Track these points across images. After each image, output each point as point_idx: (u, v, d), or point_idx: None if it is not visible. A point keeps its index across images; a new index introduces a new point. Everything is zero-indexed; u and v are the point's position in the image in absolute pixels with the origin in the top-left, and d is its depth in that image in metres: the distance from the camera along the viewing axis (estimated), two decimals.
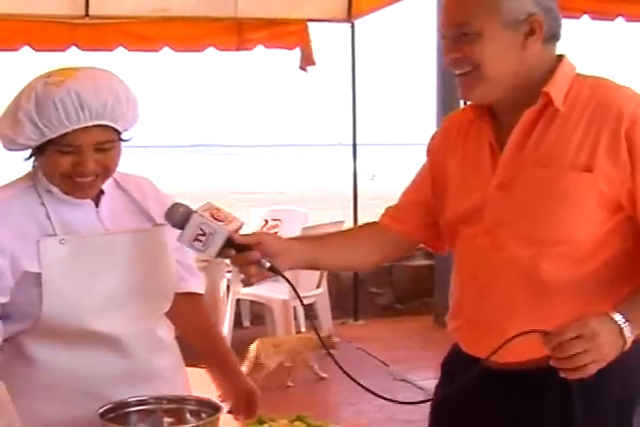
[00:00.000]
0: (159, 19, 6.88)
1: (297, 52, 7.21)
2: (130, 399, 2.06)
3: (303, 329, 7.12)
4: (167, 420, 2.06)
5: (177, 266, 2.28)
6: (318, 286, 6.58)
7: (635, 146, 1.89)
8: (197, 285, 2.40)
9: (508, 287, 1.98)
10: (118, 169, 2.15)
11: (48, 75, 2.03)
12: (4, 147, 2.07)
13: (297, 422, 2.15)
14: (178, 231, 1.98)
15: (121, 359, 2.14)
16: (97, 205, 2.16)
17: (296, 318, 6.79)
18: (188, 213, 1.96)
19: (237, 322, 6.79)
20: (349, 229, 2.38)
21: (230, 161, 41.94)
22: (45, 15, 6.65)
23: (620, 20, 6.43)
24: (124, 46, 6.90)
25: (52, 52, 6.95)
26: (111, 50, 6.92)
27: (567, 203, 1.91)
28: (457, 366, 2.16)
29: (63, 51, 6.83)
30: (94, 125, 2.00)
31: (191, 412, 2.06)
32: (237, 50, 7.20)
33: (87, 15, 6.74)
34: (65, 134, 1.99)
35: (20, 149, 2.07)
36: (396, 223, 2.24)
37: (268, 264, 1.97)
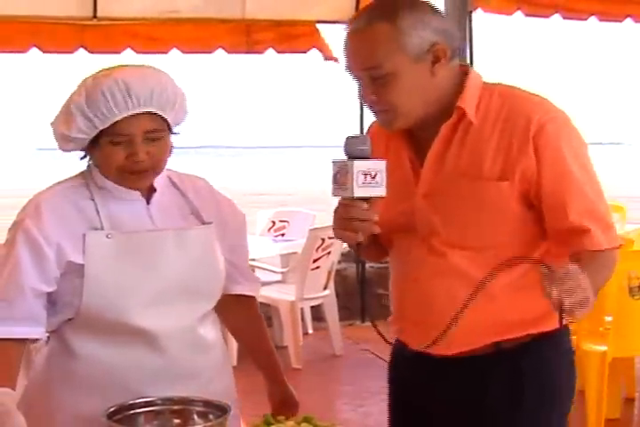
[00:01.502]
0: (167, 20, 6.87)
1: (310, 55, 7.18)
2: (137, 400, 2.07)
3: (310, 331, 7.12)
4: (174, 421, 2.06)
5: (229, 267, 2.29)
6: (325, 288, 6.57)
7: (540, 149, 1.98)
8: (251, 288, 2.41)
9: (450, 289, 2.06)
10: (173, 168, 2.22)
11: (97, 71, 2.12)
12: (61, 148, 2.13)
13: (304, 424, 2.15)
14: (227, 234, 2.16)
15: (158, 356, 2.16)
16: (148, 202, 2.19)
17: (303, 319, 6.79)
18: (369, 154, 1.96)
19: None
20: None
21: (238, 162, 42.03)
22: (53, 17, 6.65)
23: (628, 20, 6.40)
24: (133, 48, 6.90)
25: (59, 54, 6.97)
26: (119, 52, 6.91)
27: (489, 211, 2.02)
28: (405, 364, 2.31)
29: (71, 53, 6.83)
30: (143, 113, 2.06)
31: (198, 413, 2.07)
32: (247, 52, 7.18)
33: (95, 17, 6.74)
34: (115, 124, 2.05)
35: (75, 149, 2.13)
36: None
37: (361, 238, 2.00)
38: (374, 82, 2.02)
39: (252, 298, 2.42)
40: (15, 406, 1.94)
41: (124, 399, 2.03)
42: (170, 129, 2.15)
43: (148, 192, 2.20)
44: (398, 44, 1.99)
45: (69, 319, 2.15)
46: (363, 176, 1.94)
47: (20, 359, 2.10)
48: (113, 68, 2.13)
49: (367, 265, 7.83)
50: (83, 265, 2.09)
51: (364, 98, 2.07)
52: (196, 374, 2.20)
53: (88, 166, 2.20)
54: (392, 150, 2.16)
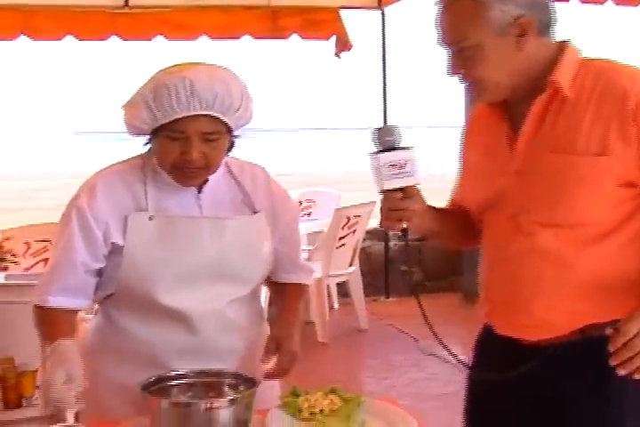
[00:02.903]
0: (196, 7, 6.88)
1: (331, 41, 7.18)
2: (170, 373, 2.09)
3: (336, 306, 7.14)
4: (206, 393, 2.08)
5: (280, 257, 2.32)
6: (351, 265, 6.59)
7: None
8: (300, 277, 2.42)
9: (535, 269, 1.99)
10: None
11: (171, 66, 2.12)
12: (128, 131, 2.16)
13: (331, 395, 2.15)
14: (278, 225, 2.19)
15: (188, 335, 2.20)
16: (200, 191, 2.21)
17: (329, 295, 6.81)
18: (405, 145, 1.95)
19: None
20: (458, 208, 2.34)
21: (266, 144, 42.03)
22: (87, 5, 6.67)
23: (609, 3, 6.17)
24: (163, 35, 6.92)
25: (93, 41, 7.00)
26: (150, 39, 6.94)
27: (583, 187, 1.92)
28: (492, 348, 2.19)
29: (104, 40, 6.87)
30: (203, 115, 2.06)
31: (229, 385, 2.09)
32: (272, 38, 7.18)
33: (127, 5, 6.77)
34: (175, 120, 2.06)
35: (140, 135, 2.15)
36: (461, 200, 2.26)
37: (405, 225, 2.00)
38: (461, 55, 1.97)
39: (301, 285, 2.43)
40: (77, 355, 2.00)
41: (154, 373, 2.05)
42: (230, 131, 2.15)
43: (201, 181, 2.22)
44: (481, 18, 1.94)
45: (111, 294, 2.21)
46: (390, 168, 1.93)
47: (75, 327, 2.17)
48: (187, 64, 2.13)
49: (391, 243, 7.84)
50: (122, 246, 2.14)
51: (452, 71, 2.02)
52: (223, 356, 2.23)
53: (149, 150, 2.22)
54: (492, 127, 2.11)
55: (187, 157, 2.08)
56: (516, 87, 2.00)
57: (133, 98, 2.12)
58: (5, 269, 4.16)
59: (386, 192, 1.98)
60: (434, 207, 2.17)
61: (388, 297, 7.67)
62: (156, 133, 2.11)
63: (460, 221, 2.24)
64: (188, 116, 2.05)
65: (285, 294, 2.39)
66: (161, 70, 2.12)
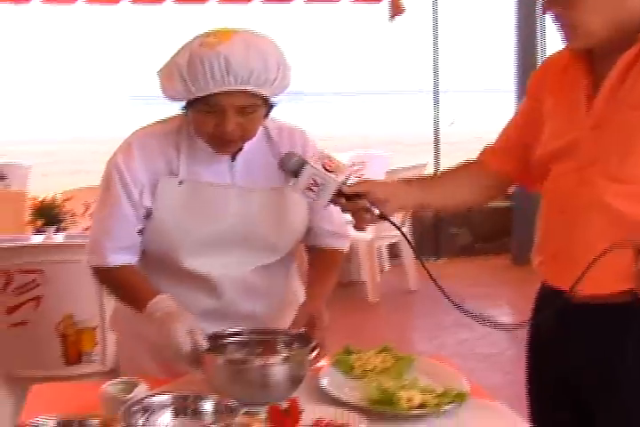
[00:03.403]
0: None
1: (383, 4, 7.11)
2: (225, 331, 2.10)
3: (387, 267, 7.14)
4: (260, 351, 2.10)
5: (316, 223, 2.29)
6: (401, 227, 6.57)
7: None
8: (335, 242, 2.37)
9: (592, 222, 1.96)
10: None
11: (207, 34, 2.04)
12: (165, 97, 2.11)
13: (383, 353, 2.16)
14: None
15: (211, 298, 2.20)
16: (233, 159, 2.18)
17: (380, 257, 6.81)
18: (302, 163, 1.96)
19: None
20: (453, 169, 2.31)
21: (317, 108, 41.89)
22: None
23: None
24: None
25: (149, 4, 7.03)
26: (204, 2, 6.95)
27: None
28: (545, 301, 2.16)
29: (159, 3, 6.89)
30: (238, 90, 2.01)
31: (284, 343, 2.10)
32: (324, 1, 7.15)
33: None
34: (210, 95, 2.00)
35: (177, 100, 2.10)
36: (496, 161, 2.21)
37: (377, 211, 1.99)
38: None
39: (336, 251, 2.40)
40: (179, 307, 2.03)
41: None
42: (266, 101, 2.09)
43: (237, 149, 2.18)
44: None
45: (141, 255, 2.21)
46: (310, 190, 1.95)
47: (144, 276, 2.17)
48: (223, 33, 2.04)
49: None
50: (151, 209, 2.13)
51: (547, 7, 1.96)
52: (247, 318, 2.22)
53: (185, 114, 2.15)
54: (568, 78, 2.06)
55: (222, 130, 2.04)
56: (606, 39, 1.94)
57: (169, 66, 2.06)
58: (65, 229, 4.21)
59: (329, 206, 1.99)
60: (410, 181, 2.15)
61: (437, 259, 7.66)
62: (191, 104, 2.06)
63: (466, 180, 2.22)
64: (223, 92, 2.00)
65: (320, 261, 2.35)
66: (197, 37, 2.04)
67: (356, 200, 1.97)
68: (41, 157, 17.25)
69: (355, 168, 7.28)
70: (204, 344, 1.96)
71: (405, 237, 2.08)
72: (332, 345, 2.29)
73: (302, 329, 2.11)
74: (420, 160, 7.06)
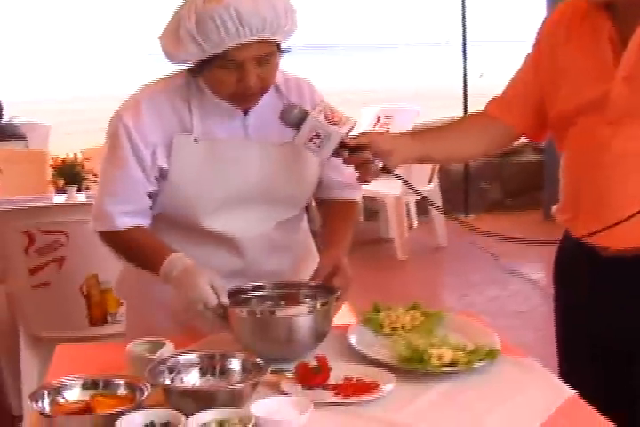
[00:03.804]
0: None
1: None
2: (247, 285, 2.11)
3: (415, 224, 7.13)
4: (284, 304, 2.10)
5: (329, 175, 2.28)
6: (430, 182, 6.55)
7: None
8: (350, 194, 2.36)
9: (629, 174, 1.94)
10: None
11: None
12: (170, 61, 2.08)
13: (412, 310, 2.16)
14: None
15: (233, 258, 2.20)
16: (245, 113, 2.15)
17: (408, 213, 6.80)
18: (303, 115, 1.96)
19: (358, 217, 6.82)
20: (458, 120, 2.30)
21: (344, 60, 41.61)
22: None
23: None
24: None
25: None
26: None
27: None
28: (572, 256, 2.15)
29: None
30: (254, 41, 1.97)
31: (307, 296, 2.10)
32: None
33: None
34: (226, 50, 1.97)
35: (184, 63, 2.08)
36: (503, 113, 2.18)
37: (381, 164, 1.98)
38: None
39: (348, 202, 2.38)
40: (195, 263, 2.02)
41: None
42: (279, 47, 2.06)
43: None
44: None
45: (155, 216, 2.18)
46: (312, 143, 1.95)
47: (155, 236, 2.15)
48: None
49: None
50: (167, 170, 2.10)
51: None
52: (270, 276, 2.21)
53: (189, 69, 2.11)
54: (588, 28, 2.02)
55: (245, 85, 2.00)
56: None
57: (174, 29, 2.01)
58: (87, 188, 4.22)
59: (332, 158, 1.99)
60: (413, 133, 2.15)
61: (467, 214, 7.63)
62: (206, 64, 2.01)
63: (472, 132, 2.20)
64: (239, 45, 1.96)
65: (334, 212, 2.33)
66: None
67: (358, 153, 1.97)
68: (61, 115, 17.28)
69: (381, 122, 7.24)
70: (227, 299, 1.96)
71: (415, 190, 2.07)
72: (360, 303, 2.30)
73: (325, 279, 2.10)
74: (449, 114, 7.01)
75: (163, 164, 2.10)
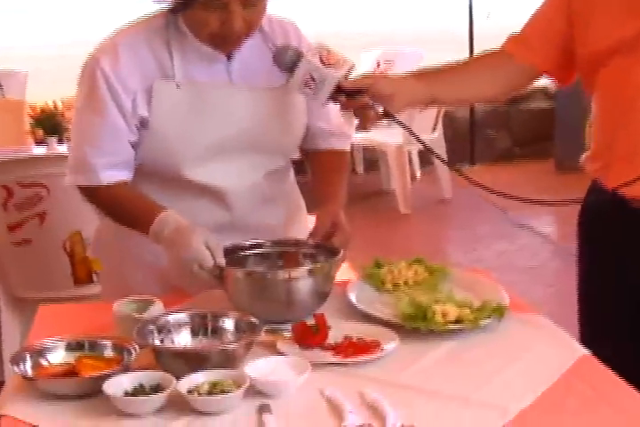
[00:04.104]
0: None
1: None
2: (245, 243, 2.11)
3: (418, 175, 7.13)
4: (283, 264, 2.10)
5: (316, 124, 2.26)
6: (434, 130, 6.53)
7: None
8: (339, 144, 2.34)
9: None
10: None
11: None
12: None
13: (415, 265, 2.16)
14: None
15: (220, 211, 2.19)
16: (229, 58, 2.12)
17: (410, 163, 6.79)
18: (297, 57, 1.94)
19: (350, 168, 6.80)
20: (469, 60, 2.25)
21: (336, 0, 41.26)
22: None
23: None
24: None
25: None
26: None
27: None
28: (600, 210, 2.14)
29: None
30: None
31: (306, 255, 2.10)
32: None
33: None
34: None
35: (165, 1, 2.04)
36: (523, 51, 2.15)
37: (381, 109, 1.96)
38: None
39: (338, 153, 2.35)
40: (188, 221, 2.00)
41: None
42: None
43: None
44: None
45: (136, 167, 2.16)
46: (307, 87, 1.93)
47: (142, 193, 2.13)
48: None
49: (477, 107, 7.73)
50: (148, 118, 2.07)
51: None
52: (260, 230, 2.22)
53: (171, 10, 2.06)
54: None
55: (229, 28, 1.98)
56: None
57: None
58: (69, 139, 4.20)
59: (329, 103, 1.97)
60: (419, 74, 2.12)
61: (473, 165, 7.63)
62: (188, 2, 1.98)
63: (485, 72, 2.18)
64: None
65: (325, 164, 2.32)
66: None
67: (357, 97, 1.95)
68: (40, 62, 17.14)
69: (382, 68, 7.19)
70: (223, 259, 1.96)
71: (418, 139, 2.06)
72: (360, 258, 2.30)
73: (324, 238, 2.10)
74: (454, 57, 6.96)
75: (143, 112, 2.07)
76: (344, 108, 1.99)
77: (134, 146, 2.12)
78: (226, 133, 2.11)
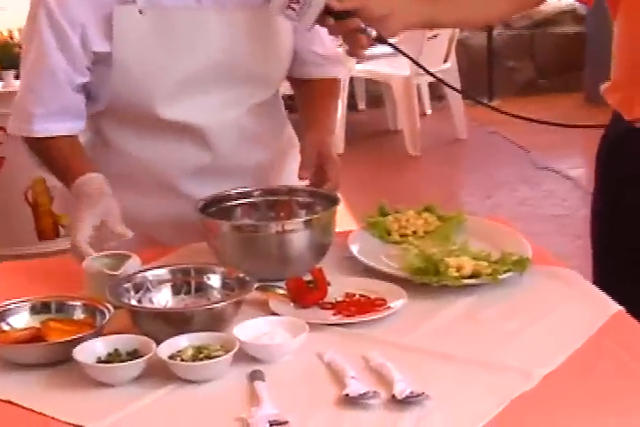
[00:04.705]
0: None
1: None
2: (231, 191, 2.11)
3: (429, 111, 7.11)
4: (275, 214, 2.11)
5: (305, 50, 2.26)
6: (445, 61, 6.50)
7: None
8: (333, 71, 2.35)
9: None
10: None
11: None
12: None
13: (425, 214, 2.17)
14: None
15: (200, 152, 2.20)
16: None
17: (420, 98, 6.77)
18: None
19: (351, 104, 6.80)
20: None
21: None
22: None
23: None
24: None
25: None
26: None
27: None
28: (620, 145, 2.17)
29: None
30: None
31: (301, 205, 2.11)
32: None
33: None
34: None
35: None
36: None
37: (374, 33, 1.95)
38: None
39: (330, 81, 2.36)
40: (109, 188, 2.03)
41: (167, 200, 2.06)
42: None
43: None
44: None
45: (102, 111, 2.18)
46: (291, 9, 1.92)
47: (82, 149, 2.16)
48: None
49: (495, 32, 7.69)
50: (110, 53, 2.06)
51: None
52: (246, 171, 2.24)
53: None
54: None
55: None
56: None
57: None
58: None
59: (315, 26, 1.96)
60: None
61: (491, 99, 7.61)
62: None
63: None
64: None
65: (314, 92, 2.32)
66: None
67: (347, 19, 1.94)
68: None
69: None
70: (126, 233, 1.96)
71: (423, 68, 2.06)
72: (363, 205, 2.31)
73: (315, 175, 2.11)
74: None
75: (99, 47, 2.06)
76: (332, 32, 1.98)
77: (89, 89, 2.13)
78: (198, 64, 2.10)
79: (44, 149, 2.15)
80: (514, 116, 2.08)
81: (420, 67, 2.09)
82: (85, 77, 2.10)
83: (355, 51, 1.99)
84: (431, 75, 2.15)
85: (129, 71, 2.07)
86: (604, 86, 2.14)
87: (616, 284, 2.13)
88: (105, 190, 2.02)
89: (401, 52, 2.05)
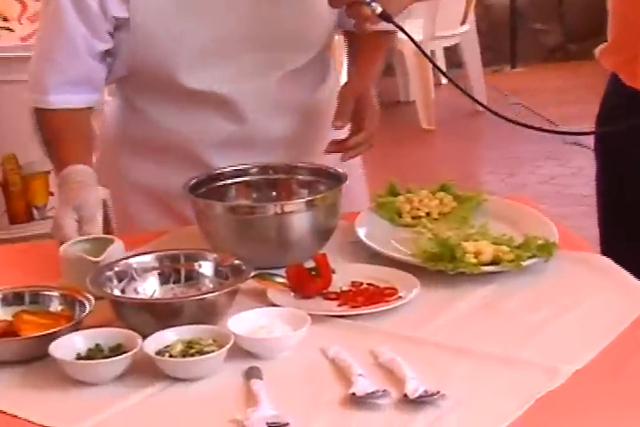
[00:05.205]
0: None
1: None
2: (225, 169, 2.13)
3: (444, 81, 7.11)
4: (274, 193, 2.12)
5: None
6: (463, 23, 6.50)
7: None
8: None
9: None
10: None
11: None
12: None
13: (440, 193, 2.17)
14: None
15: (229, 123, 2.23)
16: None
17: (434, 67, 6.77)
18: None
19: None
20: None
21: None
22: None
23: None
24: None
25: None
26: None
27: None
28: (618, 112, 2.27)
29: None
30: None
31: (303, 184, 2.12)
32: None
33: None
34: None
35: None
36: None
37: (380, 9, 1.96)
38: None
39: (382, 33, 2.31)
40: (95, 181, 2.05)
41: (184, 171, 2.09)
42: None
43: None
44: None
45: (127, 78, 2.23)
46: None
47: (90, 128, 2.21)
48: None
49: None
50: (128, 19, 2.10)
51: None
52: (279, 144, 2.26)
53: None
54: None
55: None
56: None
57: None
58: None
59: None
60: None
61: (514, 66, 7.61)
62: None
63: None
64: None
65: (361, 45, 2.35)
66: None
67: None
68: None
69: None
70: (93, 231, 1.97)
71: (419, 48, 2.09)
72: (372, 184, 2.32)
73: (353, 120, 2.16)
74: None
75: (119, 12, 2.10)
76: (333, 5, 1.99)
77: (108, 58, 2.17)
78: (226, 26, 2.13)
79: (49, 125, 2.19)
80: (503, 117, 2.10)
81: (425, 55, 2.11)
82: (107, 44, 2.14)
83: (361, 25, 1.99)
84: (428, 58, 2.16)
85: (149, 37, 2.11)
86: (598, 49, 2.19)
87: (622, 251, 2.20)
88: (89, 183, 2.04)
89: (404, 31, 2.06)
